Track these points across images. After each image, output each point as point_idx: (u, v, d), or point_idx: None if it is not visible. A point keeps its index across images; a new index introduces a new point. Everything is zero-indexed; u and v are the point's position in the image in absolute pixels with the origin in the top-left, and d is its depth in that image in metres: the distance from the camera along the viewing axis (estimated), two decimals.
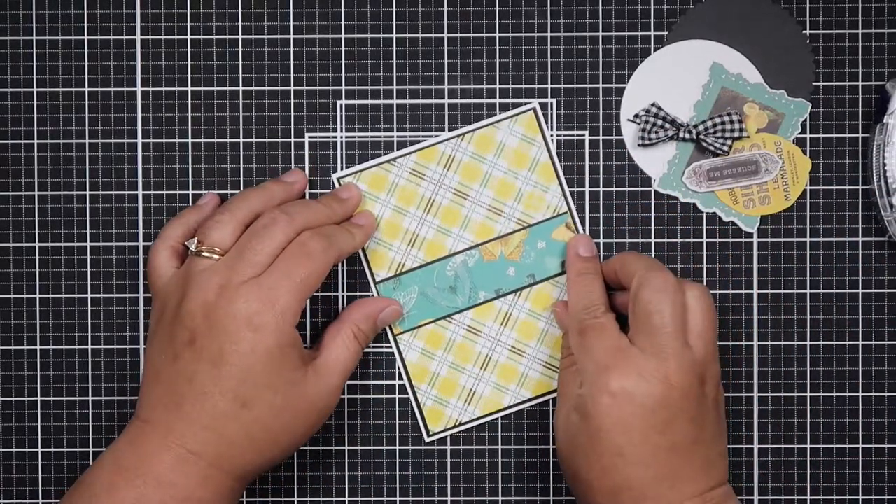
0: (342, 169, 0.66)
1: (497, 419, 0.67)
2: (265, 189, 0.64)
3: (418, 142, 0.67)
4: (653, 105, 0.67)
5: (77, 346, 0.68)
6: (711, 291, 0.67)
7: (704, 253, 0.67)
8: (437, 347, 0.67)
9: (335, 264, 0.64)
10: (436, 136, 0.66)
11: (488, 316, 0.66)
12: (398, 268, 0.66)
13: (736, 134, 0.66)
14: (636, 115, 0.67)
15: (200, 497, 0.58)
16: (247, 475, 0.60)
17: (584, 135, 0.67)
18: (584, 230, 0.67)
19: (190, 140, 0.68)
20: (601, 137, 0.67)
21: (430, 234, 0.66)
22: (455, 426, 0.67)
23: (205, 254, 0.60)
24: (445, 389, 0.67)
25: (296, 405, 0.60)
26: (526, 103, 0.66)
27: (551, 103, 0.67)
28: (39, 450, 0.68)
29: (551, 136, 0.66)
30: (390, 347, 0.67)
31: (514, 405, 0.67)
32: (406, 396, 0.67)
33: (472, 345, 0.67)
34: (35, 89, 0.67)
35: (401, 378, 0.67)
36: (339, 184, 0.66)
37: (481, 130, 0.66)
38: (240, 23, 0.67)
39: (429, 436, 0.67)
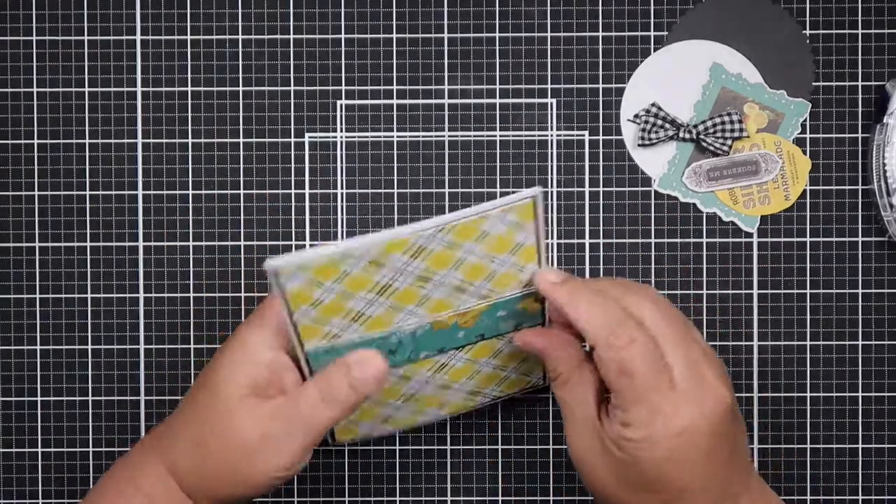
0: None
1: (497, 421, 0.67)
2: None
3: (417, 142, 0.67)
4: (653, 105, 0.67)
5: (77, 346, 0.68)
6: (711, 291, 0.67)
7: (704, 253, 0.67)
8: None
9: None
10: (412, 225, 0.54)
11: (423, 367, 0.61)
12: (333, 338, 0.57)
13: (736, 134, 0.66)
14: (636, 116, 0.67)
15: None
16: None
17: (584, 135, 0.67)
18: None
19: (190, 140, 0.68)
20: (601, 137, 0.67)
21: (377, 311, 0.57)
22: (364, 437, 0.65)
23: None
24: (362, 416, 0.63)
25: (241, 428, 0.57)
26: (528, 194, 0.55)
27: (551, 103, 0.67)
28: (39, 450, 0.68)
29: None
30: None
31: (430, 422, 0.65)
32: None
33: (400, 387, 0.61)
34: (35, 89, 0.67)
35: None
36: (276, 273, 0.53)
37: (467, 221, 0.54)
38: (240, 23, 0.67)
39: (333, 443, 0.64)
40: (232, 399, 0.57)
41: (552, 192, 0.68)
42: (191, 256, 0.67)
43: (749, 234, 0.67)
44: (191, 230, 0.68)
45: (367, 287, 0.56)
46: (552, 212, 0.67)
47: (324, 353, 0.58)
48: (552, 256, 0.67)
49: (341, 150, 0.68)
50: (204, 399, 0.58)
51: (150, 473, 0.59)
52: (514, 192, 0.55)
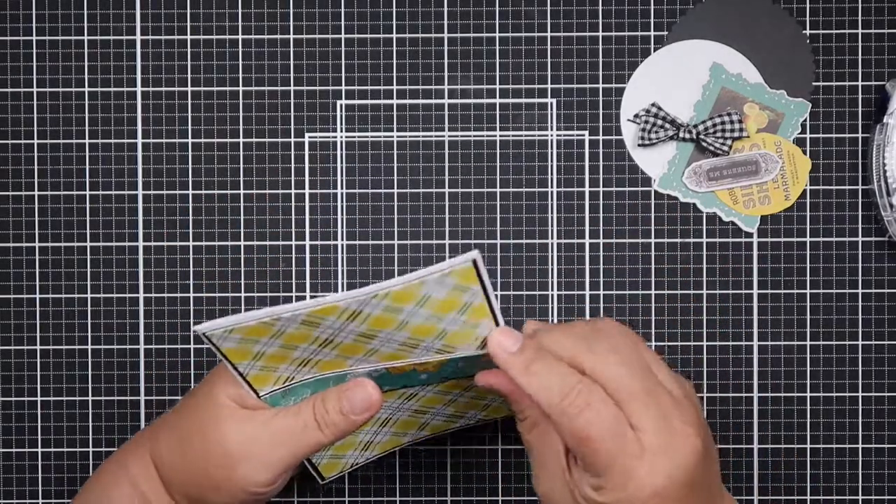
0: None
1: (497, 421, 0.67)
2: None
3: (417, 142, 0.67)
4: (653, 105, 0.67)
5: (77, 346, 0.68)
6: (711, 291, 0.67)
7: (704, 253, 0.67)
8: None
9: None
10: (336, 295, 0.52)
11: (391, 396, 0.60)
12: (287, 381, 0.57)
13: (736, 134, 0.66)
14: (636, 115, 0.67)
15: None
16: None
17: (584, 135, 0.67)
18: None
19: (190, 140, 0.68)
20: (601, 137, 0.67)
21: (327, 357, 0.56)
22: (352, 467, 0.64)
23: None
24: (342, 448, 0.62)
25: (224, 435, 0.57)
26: (464, 254, 0.52)
27: (551, 103, 0.67)
28: (39, 450, 0.68)
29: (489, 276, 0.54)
30: None
31: (411, 443, 0.65)
32: None
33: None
34: (35, 89, 0.67)
35: None
36: (206, 337, 0.53)
37: (401, 287, 0.52)
38: (240, 23, 0.67)
39: (322, 481, 0.64)
40: (223, 406, 0.57)
41: (552, 192, 0.68)
42: (191, 256, 0.67)
43: (749, 234, 0.67)
44: (191, 230, 0.68)
45: (308, 340, 0.55)
46: (552, 212, 0.67)
47: (282, 396, 0.58)
48: (552, 257, 0.68)
49: (341, 149, 0.68)
50: (199, 399, 0.58)
51: (138, 460, 0.59)
52: (449, 258, 0.52)
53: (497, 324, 0.54)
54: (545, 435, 0.55)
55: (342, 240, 0.67)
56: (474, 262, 0.52)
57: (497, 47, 0.67)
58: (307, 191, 0.67)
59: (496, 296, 0.56)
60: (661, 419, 0.52)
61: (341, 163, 0.67)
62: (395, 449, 0.65)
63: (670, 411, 0.53)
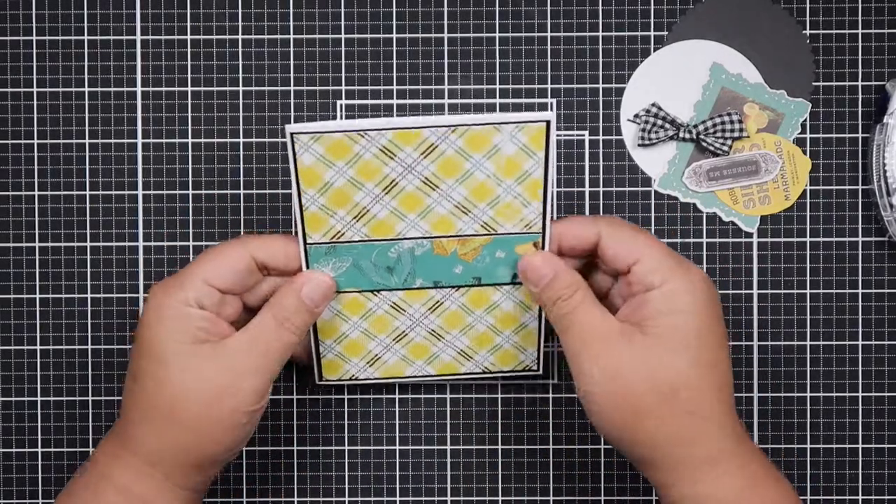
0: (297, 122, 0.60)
1: (497, 421, 0.67)
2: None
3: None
4: (652, 105, 0.67)
5: (77, 346, 0.68)
6: None
7: (704, 253, 0.67)
8: (354, 314, 0.63)
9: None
10: (425, 118, 0.56)
11: (418, 300, 0.62)
12: (335, 235, 0.59)
13: (736, 134, 0.66)
14: (636, 116, 0.67)
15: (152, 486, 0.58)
16: (175, 470, 0.58)
17: (584, 135, 0.67)
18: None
19: (190, 140, 0.68)
20: (601, 137, 0.67)
21: (382, 213, 0.59)
22: (350, 380, 0.65)
23: None
24: (351, 349, 0.64)
25: (185, 380, 0.57)
26: (540, 109, 0.62)
27: (551, 103, 0.67)
28: (39, 450, 0.68)
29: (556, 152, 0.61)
30: None
31: (416, 376, 0.66)
32: (407, 397, 0.67)
33: (392, 319, 0.63)
34: (35, 89, 0.67)
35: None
36: (292, 140, 0.56)
37: (479, 129, 0.56)
38: (240, 23, 0.67)
39: (320, 380, 0.65)
40: (181, 354, 0.57)
41: (552, 191, 0.68)
42: (191, 256, 0.67)
43: (749, 234, 0.67)
44: (191, 230, 0.68)
45: (376, 179, 0.57)
46: (553, 211, 0.67)
47: (324, 255, 0.60)
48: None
49: None
50: (149, 371, 0.57)
51: (124, 468, 0.58)
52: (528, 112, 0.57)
53: (545, 209, 0.59)
54: (588, 291, 0.60)
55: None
56: (548, 123, 0.56)
57: (497, 47, 0.67)
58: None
59: (553, 178, 0.60)
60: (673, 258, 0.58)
61: None
62: (396, 381, 0.66)
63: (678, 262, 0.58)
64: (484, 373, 0.66)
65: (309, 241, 0.59)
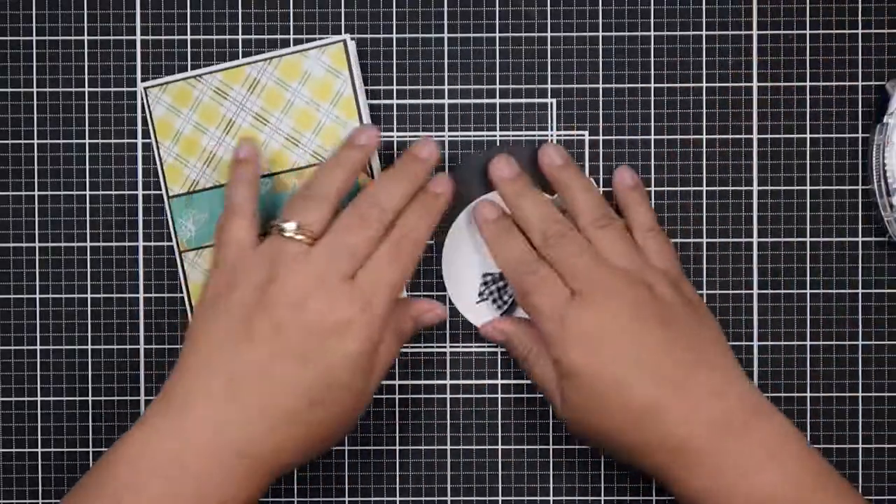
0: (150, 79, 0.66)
1: (497, 421, 0.67)
2: (344, 162, 0.61)
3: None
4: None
5: (77, 346, 0.68)
6: (711, 292, 0.67)
7: (704, 253, 0.67)
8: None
9: None
10: (243, 57, 0.66)
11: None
12: (192, 185, 0.66)
13: None
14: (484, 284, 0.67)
15: (235, 496, 0.55)
16: (282, 474, 0.58)
17: (584, 135, 0.67)
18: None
19: None
20: (601, 137, 0.67)
21: (227, 155, 0.65)
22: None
23: (298, 237, 0.58)
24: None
25: (356, 406, 0.59)
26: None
27: (551, 103, 0.67)
28: (39, 450, 0.68)
29: (361, 74, 0.65)
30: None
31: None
32: (407, 397, 0.67)
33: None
34: (35, 89, 0.67)
35: (402, 379, 0.67)
36: (146, 94, 0.66)
37: (288, 57, 0.65)
38: (240, 23, 0.67)
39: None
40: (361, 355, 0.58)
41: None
42: None
43: (750, 234, 0.67)
44: None
45: (216, 121, 0.65)
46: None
47: (185, 207, 0.66)
48: None
49: None
50: (341, 399, 0.58)
51: (195, 452, 0.55)
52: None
53: (361, 122, 0.64)
54: (535, 354, 0.63)
55: None
56: (344, 43, 0.64)
57: (497, 47, 0.67)
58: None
59: (364, 99, 0.65)
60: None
61: None
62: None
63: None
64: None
65: (171, 193, 0.66)
